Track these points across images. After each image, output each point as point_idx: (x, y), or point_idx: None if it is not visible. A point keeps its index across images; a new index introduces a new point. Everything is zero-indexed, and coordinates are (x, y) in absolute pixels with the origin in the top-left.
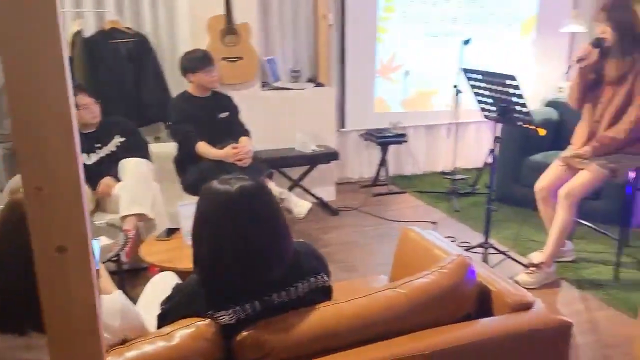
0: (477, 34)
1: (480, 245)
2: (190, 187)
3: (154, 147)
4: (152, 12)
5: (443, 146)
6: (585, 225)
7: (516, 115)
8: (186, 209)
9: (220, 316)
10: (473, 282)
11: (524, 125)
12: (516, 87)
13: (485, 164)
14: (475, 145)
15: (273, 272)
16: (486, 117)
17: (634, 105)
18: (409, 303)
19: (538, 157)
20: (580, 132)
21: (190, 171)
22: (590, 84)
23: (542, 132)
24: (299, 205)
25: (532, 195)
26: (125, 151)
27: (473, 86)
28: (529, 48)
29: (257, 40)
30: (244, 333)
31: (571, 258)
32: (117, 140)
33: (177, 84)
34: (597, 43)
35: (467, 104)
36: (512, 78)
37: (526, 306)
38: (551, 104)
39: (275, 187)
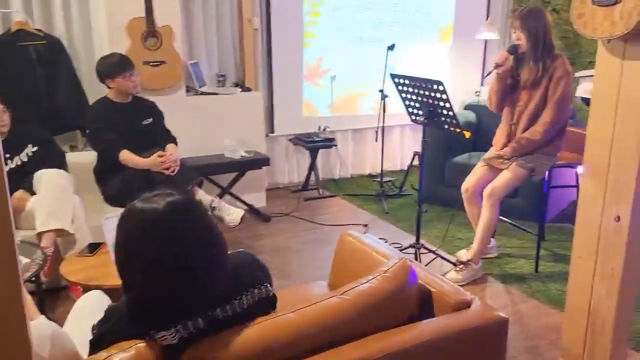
0: (400, 40)
1: (412, 246)
2: (112, 199)
3: (70, 157)
4: (64, 14)
5: (370, 149)
6: (506, 222)
7: (443, 119)
8: (111, 222)
9: (162, 337)
10: (414, 284)
11: (451, 129)
12: (443, 92)
13: (410, 166)
14: (400, 148)
15: (214, 287)
16: (413, 120)
17: (548, 108)
18: (356, 309)
19: (460, 158)
20: (500, 134)
21: (112, 181)
22: (508, 88)
23: (467, 134)
24: (232, 213)
25: (457, 195)
26: (39, 162)
27: (401, 91)
28: (447, 54)
29: (181, 44)
30: (189, 352)
31: (495, 254)
32: (30, 149)
33: (95, 90)
34: (513, 49)
35: (392, 108)
36: (439, 83)
37: (466, 305)
38: (469, 107)
39: (206, 196)
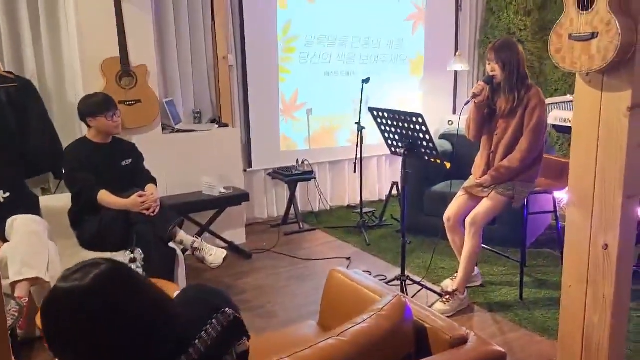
0: (372, 73)
1: (397, 278)
2: (89, 243)
3: (43, 201)
4: (36, 54)
5: (348, 180)
6: (487, 249)
7: (423, 150)
8: None
9: None
10: (410, 321)
11: (432, 160)
12: (423, 124)
13: (389, 196)
14: (378, 179)
15: (166, 343)
16: (393, 152)
17: (524, 136)
18: (355, 351)
19: (439, 187)
20: (479, 162)
21: (89, 224)
22: (486, 117)
23: (447, 165)
24: (213, 254)
25: (437, 224)
26: (12, 207)
27: (380, 124)
28: (418, 85)
29: (156, 82)
30: None
31: (480, 282)
32: (1, 195)
33: (68, 131)
34: (489, 80)
35: (369, 139)
36: (419, 116)
37: (463, 340)
38: (444, 136)
39: (187, 236)
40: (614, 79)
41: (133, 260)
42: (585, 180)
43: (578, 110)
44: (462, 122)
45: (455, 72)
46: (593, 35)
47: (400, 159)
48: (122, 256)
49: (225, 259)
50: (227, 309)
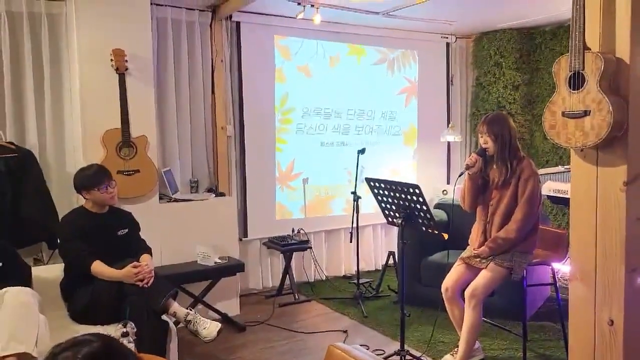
0: (366, 143)
1: (396, 353)
2: (79, 315)
3: (34, 271)
4: (38, 125)
5: (343, 250)
6: (487, 322)
7: (420, 220)
8: None
9: None
10: None
11: (429, 230)
12: (420, 195)
13: (386, 266)
14: (374, 248)
15: None
16: (390, 222)
17: (519, 206)
18: None
19: (435, 257)
20: (476, 233)
21: (80, 296)
22: (480, 188)
23: (445, 236)
24: (207, 327)
25: (434, 295)
26: (3, 278)
27: (377, 194)
28: (412, 156)
29: (155, 152)
30: None
31: (481, 357)
32: None
33: (67, 200)
34: (482, 152)
35: (364, 208)
36: (416, 187)
37: None
38: (439, 206)
39: (181, 309)
40: (608, 154)
41: (125, 335)
42: (586, 254)
43: (575, 184)
44: (456, 192)
45: (448, 143)
46: (586, 113)
47: (396, 228)
48: (114, 329)
49: (219, 332)
50: None
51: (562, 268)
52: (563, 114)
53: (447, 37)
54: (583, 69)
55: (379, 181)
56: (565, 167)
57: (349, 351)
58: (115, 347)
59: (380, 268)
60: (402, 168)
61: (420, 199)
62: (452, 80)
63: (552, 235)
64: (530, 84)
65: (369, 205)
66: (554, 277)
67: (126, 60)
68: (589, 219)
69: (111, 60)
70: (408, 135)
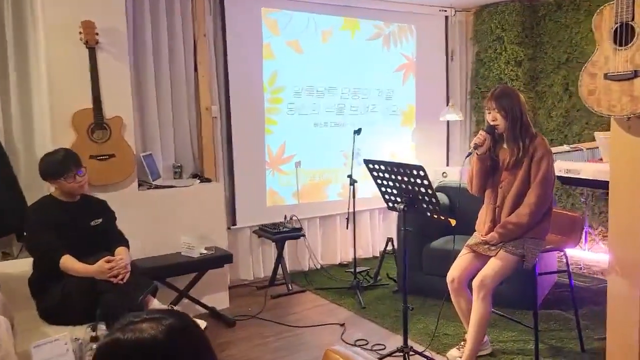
0: (363, 123)
1: (400, 350)
2: (49, 314)
3: (1, 267)
4: (3, 109)
5: (339, 237)
6: (494, 312)
7: (425, 205)
8: (42, 350)
9: None
10: None
11: (434, 216)
12: (424, 178)
13: (384, 253)
14: (371, 234)
15: None
16: (391, 208)
17: (532, 188)
18: None
19: (437, 243)
20: (483, 218)
21: (51, 293)
22: (489, 170)
23: (452, 222)
24: None
25: (437, 284)
26: None
27: (376, 177)
28: (410, 136)
29: (133, 135)
30: None
31: (489, 351)
32: None
33: (36, 188)
34: (490, 129)
35: (360, 192)
36: (420, 168)
37: None
38: (440, 189)
39: (161, 306)
40: None
41: (95, 339)
42: (629, 243)
43: (616, 161)
44: (463, 173)
45: (448, 123)
46: (636, 74)
47: (394, 213)
48: (84, 332)
49: (204, 330)
50: None
51: (577, 254)
52: (606, 77)
53: (445, 10)
54: (632, 20)
55: (379, 162)
56: (571, 146)
57: (347, 355)
58: (191, 321)
59: (378, 255)
60: (400, 150)
61: (425, 182)
62: (452, 56)
63: (565, 219)
64: (534, 59)
65: (366, 190)
66: (567, 264)
67: (97, 34)
68: (632, 202)
69: (80, 33)
70: (406, 115)
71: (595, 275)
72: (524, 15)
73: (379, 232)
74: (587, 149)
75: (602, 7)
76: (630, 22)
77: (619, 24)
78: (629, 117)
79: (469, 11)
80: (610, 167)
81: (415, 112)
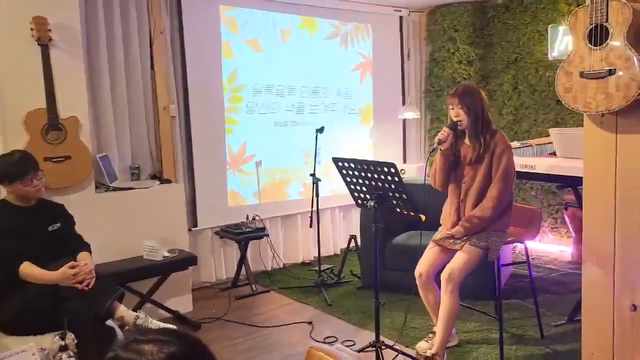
0: (322, 122)
1: (372, 345)
2: (8, 326)
3: None
4: None
5: (301, 235)
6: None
7: (395, 202)
8: None
9: None
10: None
11: (404, 212)
12: (395, 175)
13: (347, 250)
14: (332, 232)
15: None
16: (360, 205)
17: (493, 183)
18: None
19: (400, 239)
20: (448, 213)
21: (9, 303)
22: (452, 165)
23: (422, 217)
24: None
25: (401, 279)
26: None
27: (345, 175)
28: (369, 134)
29: (88, 136)
30: None
31: (456, 342)
32: None
33: None
34: (453, 125)
35: (322, 190)
36: (391, 166)
37: None
38: None
39: (128, 312)
40: (629, 119)
41: (64, 348)
42: (603, 235)
43: (589, 157)
44: (414, 170)
45: (404, 121)
46: (610, 72)
47: (355, 211)
48: (50, 342)
49: None
50: None
51: (528, 245)
52: (581, 75)
53: (400, 10)
54: (606, 21)
55: (349, 161)
56: (522, 142)
57: (329, 351)
58: (202, 347)
59: (340, 253)
60: (358, 148)
61: (396, 179)
62: (408, 55)
63: (524, 212)
64: (484, 59)
65: (327, 188)
66: (527, 255)
67: (49, 30)
68: (606, 196)
69: (31, 29)
70: (364, 113)
71: (546, 265)
72: (475, 16)
73: (340, 230)
74: (537, 145)
75: (576, 9)
76: (604, 24)
77: (593, 25)
78: (603, 114)
79: (422, 12)
80: (584, 162)
81: (373, 110)
